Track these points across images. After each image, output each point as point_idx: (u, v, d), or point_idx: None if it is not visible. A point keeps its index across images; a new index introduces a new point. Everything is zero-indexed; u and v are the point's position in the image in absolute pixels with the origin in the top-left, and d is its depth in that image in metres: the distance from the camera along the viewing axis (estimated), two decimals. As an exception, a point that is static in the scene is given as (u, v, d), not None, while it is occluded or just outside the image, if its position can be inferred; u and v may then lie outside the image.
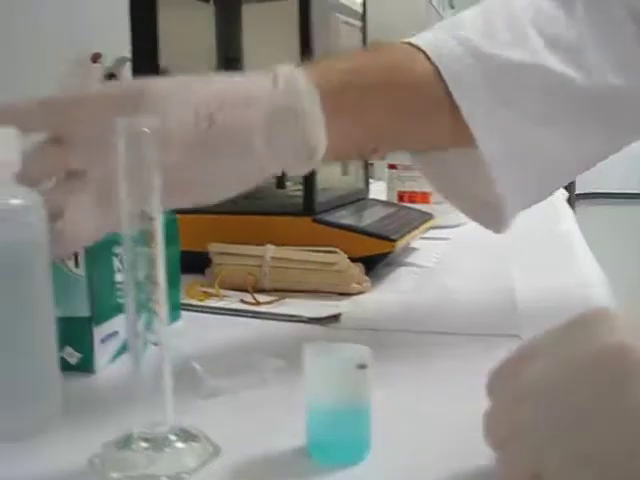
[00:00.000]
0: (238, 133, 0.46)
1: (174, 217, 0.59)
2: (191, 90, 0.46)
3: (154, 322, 0.38)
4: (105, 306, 0.51)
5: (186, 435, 0.39)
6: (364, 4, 0.96)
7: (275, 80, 0.47)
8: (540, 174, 0.56)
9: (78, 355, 0.50)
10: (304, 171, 0.50)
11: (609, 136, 0.59)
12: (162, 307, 0.38)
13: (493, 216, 0.58)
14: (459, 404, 0.44)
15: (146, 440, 0.38)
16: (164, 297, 0.38)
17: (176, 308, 0.61)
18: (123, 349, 0.53)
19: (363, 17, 0.96)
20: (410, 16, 2.14)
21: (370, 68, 0.51)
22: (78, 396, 0.47)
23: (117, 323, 0.53)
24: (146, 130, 0.35)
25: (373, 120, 0.51)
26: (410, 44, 0.53)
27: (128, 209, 0.36)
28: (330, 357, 0.36)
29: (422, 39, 0.54)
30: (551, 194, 0.60)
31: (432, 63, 0.52)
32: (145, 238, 0.37)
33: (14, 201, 0.41)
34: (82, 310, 0.50)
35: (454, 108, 0.51)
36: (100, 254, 0.51)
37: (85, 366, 0.50)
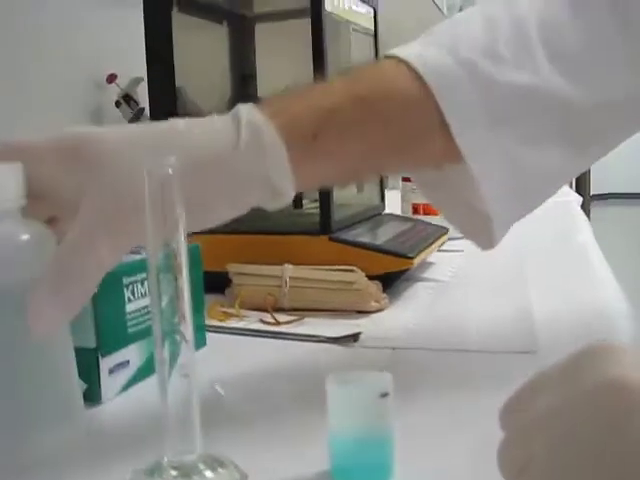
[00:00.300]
0: (200, 199, 0.44)
1: (197, 244, 0.60)
2: (141, 150, 0.44)
3: (181, 350, 0.39)
4: (114, 336, 0.52)
5: (214, 462, 0.40)
6: (375, 17, 0.97)
7: (238, 133, 0.45)
8: (530, 190, 0.55)
9: (84, 385, 0.50)
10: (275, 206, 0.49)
11: (603, 148, 0.58)
12: (189, 336, 0.39)
13: (484, 231, 0.56)
14: (479, 424, 0.44)
15: (175, 468, 0.39)
16: (191, 327, 0.39)
17: (200, 330, 0.62)
18: (136, 379, 0.54)
19: (375, 33, 0.97)
20: (422, 24, 2.15)
21: (349, 101, 0.48)
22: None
23: (128, 353, 0.54)
24: (170, 172, 0.36)
25: (351, 158, 0.49)
26: (397, 58, 0.51)
27: (154, 247, 0.37)
28: (352, 386, 0.37)
29: (413, 52, 0.51)
30: (539, 206, 0.58)
31: (422, 80, 0.49)
32: (171, 273, 0.38)
33: (25, 237, 0.41)
34: (88, 341, 0.50)
35: (445, 126, 0.49)
36: (107, 285, 0.51)
37: (91, 397, 0.51)
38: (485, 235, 0.56)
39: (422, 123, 0.50)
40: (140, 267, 0.54)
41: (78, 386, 0.46)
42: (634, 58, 0.54)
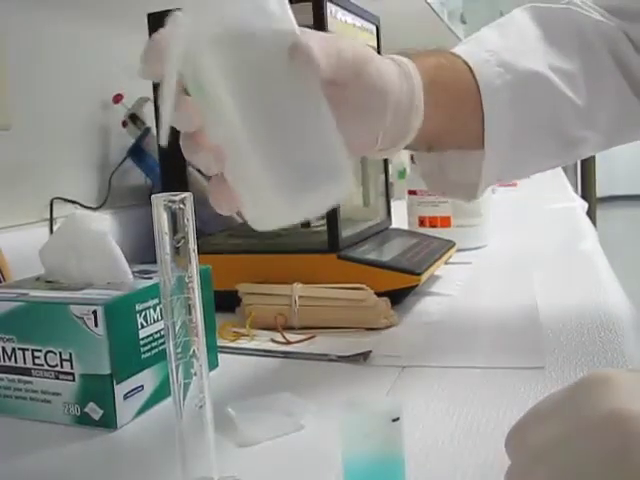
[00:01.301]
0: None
1: (208, 267, 0.61)
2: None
3: (195, 373, 0.39)
4: (128, 363, 0.53)
5: (230, 488, 0.40)
6: (377, 33, 0.98)
7: (403, 68, 0.57)
8: (516, 169, 0.68)
9: (100, 411, 0.52)
10: (392, 153, 0.59)
11: (584, 153, 0.70)
12: (202, 359, 0.40)
13: (465, 193, 0.68)
14: (490, 443, 0.45)
15: (193, 495, 0.39)
16: (204, 350, 0.40)
17: (212, 351, 0.62)
18: (150, 403, 0.55)
19: (378, 49, 0.98)
20: (423, 33, 2.16)
21: (440, 74, 0.60)
22: (105, 450, 0.50)
23: (142, 378, 0.54)
24: (182, 206, 0.37)
25: (437, 118, 0.59)
26: (454, 54, 0.64)
27: (170, 277, 0.38)
28: (364, 412, 0.38)
29: (461, 51, 0.64)
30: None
31: (470, 70, 0.62)
32: (184, 298, 0.39)
33: None
34: (103, 368, 0.51)
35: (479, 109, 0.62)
36: (121, 313, 0.53)
37: (107, 422, 0.52)
38: (467, 196, 0.69)
39: (469, 106, 0.62)
40: (152, 293, 0.55)
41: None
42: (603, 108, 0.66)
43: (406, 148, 0.61)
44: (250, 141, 0.42)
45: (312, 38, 0.46)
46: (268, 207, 0.45)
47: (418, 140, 0.59)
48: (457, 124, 0.62)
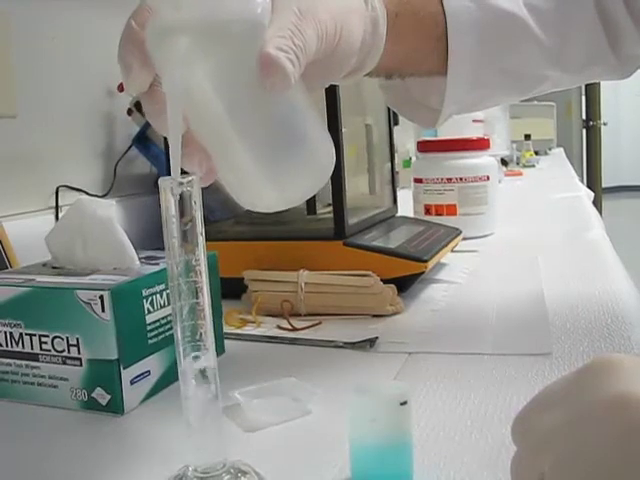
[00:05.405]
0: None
1: (214, 252, 0.60)
2: None
3: (202, 358, 0.39)
4: (135, 348, 0.53)
5: (237, 472, 0.40)
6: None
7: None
8: (477, 102, 0.68)
9: (108, 396, 0.52)
10: (348, 82, 0.57)
11: (538, 92, 0.70)
12: (210, 344, 0.39)
13: (429, 118, 0.68)
14: (497, 429, 0.45)
15: (199, 479, 0.39)
16: (211, 335, 0.40)
17: (219, 337, 0.62)
18: (157, 388, 0.55)
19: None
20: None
21: (407, 3, 0.59)
22: (112, 435, 0.50)
23: (149, 363, 0.55)
24: (189, 189, 0.37)
25: (400, 49, 0.58)
26: None
27: (178, 260, 0.38)
28: (372, 396, 0.38)
29: None
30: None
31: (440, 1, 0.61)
32: (191, 282, 0.39)
33: None
34: (110, 353, 0.51)
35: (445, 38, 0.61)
36: (127, 298, 0.53)
37: (115, 407, 0.52)
38: (430, 121, 0.69)
39: (436, 33, 0.61)
40: (159, 278, 0.55)
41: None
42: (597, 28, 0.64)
43: (366, 75, 0.59)
44: (227, 125, 0.42)
45: (283, 27, 0.42)
46: (252, 186, 0.45)
47: (378, 69, 0.58)
48: (419, 56, 0.62)
